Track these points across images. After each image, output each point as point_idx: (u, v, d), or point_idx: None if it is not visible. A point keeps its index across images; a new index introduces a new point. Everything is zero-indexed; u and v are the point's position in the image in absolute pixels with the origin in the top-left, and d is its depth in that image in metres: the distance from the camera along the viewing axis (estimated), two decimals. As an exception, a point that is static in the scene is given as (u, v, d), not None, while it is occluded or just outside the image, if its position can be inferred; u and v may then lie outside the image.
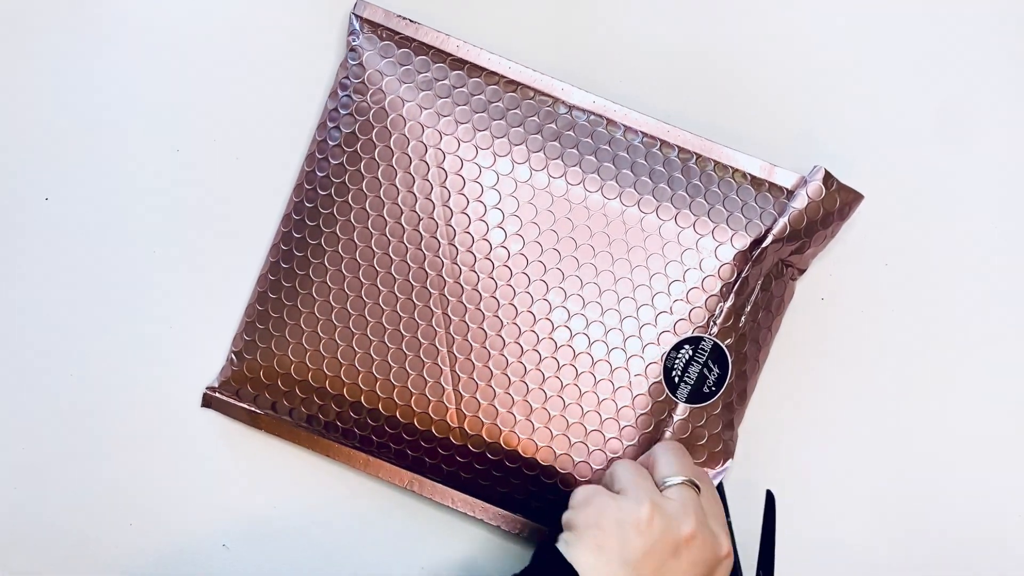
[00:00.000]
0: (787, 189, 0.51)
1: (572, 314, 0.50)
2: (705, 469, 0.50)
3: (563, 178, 0.50)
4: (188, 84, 0.54)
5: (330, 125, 0.52)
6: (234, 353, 0.52)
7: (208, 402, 0.53)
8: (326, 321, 0.51)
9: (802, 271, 0.52)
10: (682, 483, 0.46)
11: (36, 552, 0.53)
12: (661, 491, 0.46)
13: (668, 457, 0.47)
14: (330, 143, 0.51)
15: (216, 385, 0.53)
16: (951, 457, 0.54)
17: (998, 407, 0.54)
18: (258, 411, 0.52)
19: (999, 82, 0.54)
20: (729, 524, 0.48)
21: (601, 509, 0.45)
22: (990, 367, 0.54)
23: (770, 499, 0.51)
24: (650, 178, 0.51)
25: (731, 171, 0.51)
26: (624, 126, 0.51)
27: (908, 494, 0.54)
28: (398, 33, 0.52)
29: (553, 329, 0.50)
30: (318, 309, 0.51)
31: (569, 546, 0.44)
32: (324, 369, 0.51)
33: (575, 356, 0.50)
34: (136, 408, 0.53)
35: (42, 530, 0.53)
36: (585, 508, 0.45)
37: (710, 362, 0.50)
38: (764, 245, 0.50)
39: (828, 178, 0.50)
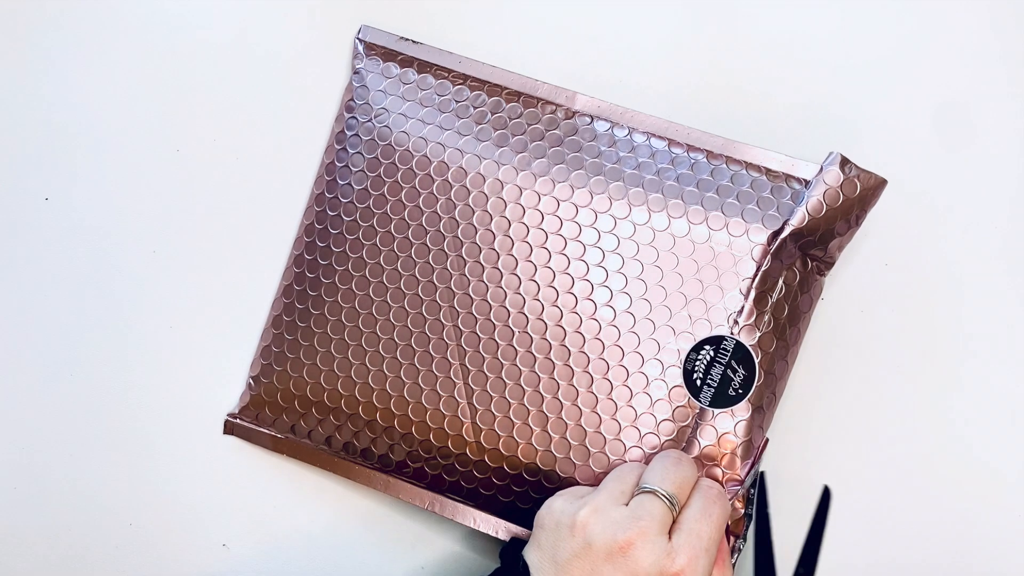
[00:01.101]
0: (806, 180, 0.49)
1: (584, 319, 0.49)
2: (713, 483, 0.46)
3: (567, 183, 0.49)
4: (191, 95, 0.54)
5: (337, 147, 0.52)
6: (252, 378, 0.52)
7: (230, 429, 0.53)
8: (339, 340, 0.51)
9: (829, 265, 0.49)
10: (649, 492, 0.44)
11: (36, 552, 0.53)
12: (632, 497, 0.44)
13: (657, 465, 0.45)
14: (338, 164, 0.52)
15: (236, 411, 0.53)
16: (953, 457, 0.51)
17: (1000, 406, 0.51)
18: (278, 435, 0.52)
19: (1003, 83, 0.52)
20: (766, 517, 0.46)
21: (550, 508, 0.45)
22: (992, 366, 0.51)
23: (825, 496, 0.48)
24: (658, 176, 0.49)
25: (744, 165, 0.49)
26: (630, 127, 0.50)
27: (909, 495, 0.51)
28: (401, 54, 0.52)
29: (566, 336, 0.49)
30: (330, 328, 0.51)
31: (528, 544, 0.45)
32: (339, 388, 0.51)
33: (589, 363, 0.49)
34: (136, 409, 0.54)
35: (42, 530, 0.53)
36: (544, 506, 0.45)
37: (734, 363, 0.48)
38: (783, 236, 0.47)
39: (845, 163, 0.47)
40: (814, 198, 0.47)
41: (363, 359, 0.50)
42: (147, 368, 0.54)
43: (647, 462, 0.48)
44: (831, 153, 0.48)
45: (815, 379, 0.51)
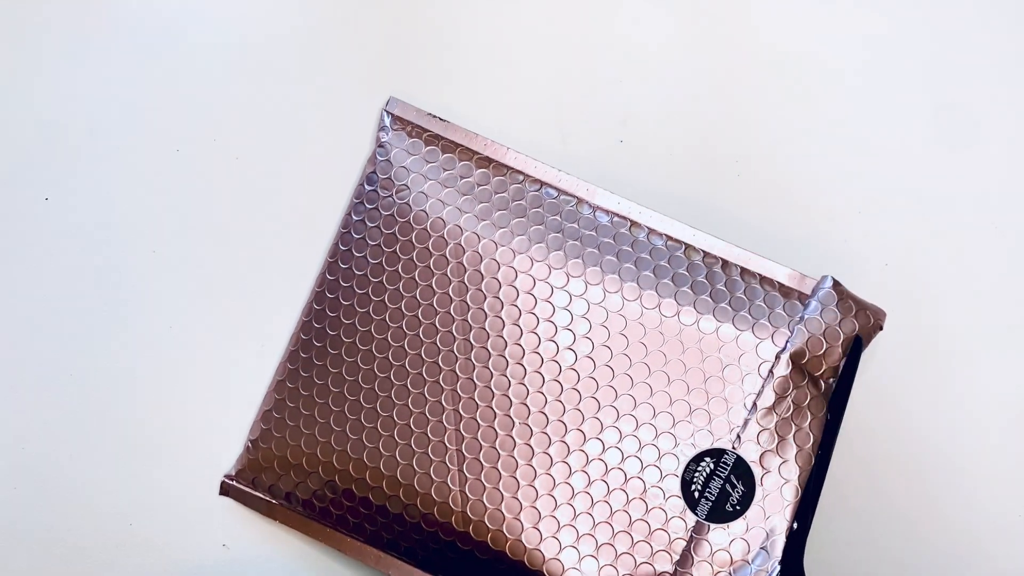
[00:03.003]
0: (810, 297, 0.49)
1: (586, 418, 0.48)
2: None
3: (581, 278, 0.49)
4: (194, 97, 0.54)
5: (355, 219, 0.52)
6: (251, 441, 0.52)
7: (226, 490, 0.52)
8: (339, 413, 0.50)
9: (829, 383, 0.48)
10: None
11: (36, 552, 0.53)
12: None
13: None
14: (354, 236, 0.52)
15: (233, 473, 0.53)
16: (953, 458, 0.51)
17: (999, 407, 0.51)
18: (273, 501, 0.52)
19: (994, 84, 0.53)
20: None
21: None
22: (991, 367, 0.52)
23: (857, 344, 0.48)
24: (672, 281, 0.49)
25: (758, 278, 0.49)
26: (648, 228, 0.50)
27: (909, 494, 0.51)
28: (427, 131, 0.52)
29: (566, 432, 0.48)
30: (332, 400, 0.51)
31: None
32: (334, 462, 0.50)
33: (587, 462, 0.48)
34: (136, 410, 0.53)
35: (42, 530, 0.53)
36: None
37: (733, 478, 0.47)
38: (788, 354, 0.47)
39: (837, 286, 0.48)
40: (812, 318, 0.47)
41: (361, 434, 0.50)
42: (148, 369, 0.53)
43: (636, 571, 0.47)
44: (824, 276, 0.48)
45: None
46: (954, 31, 0.54)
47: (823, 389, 0.48)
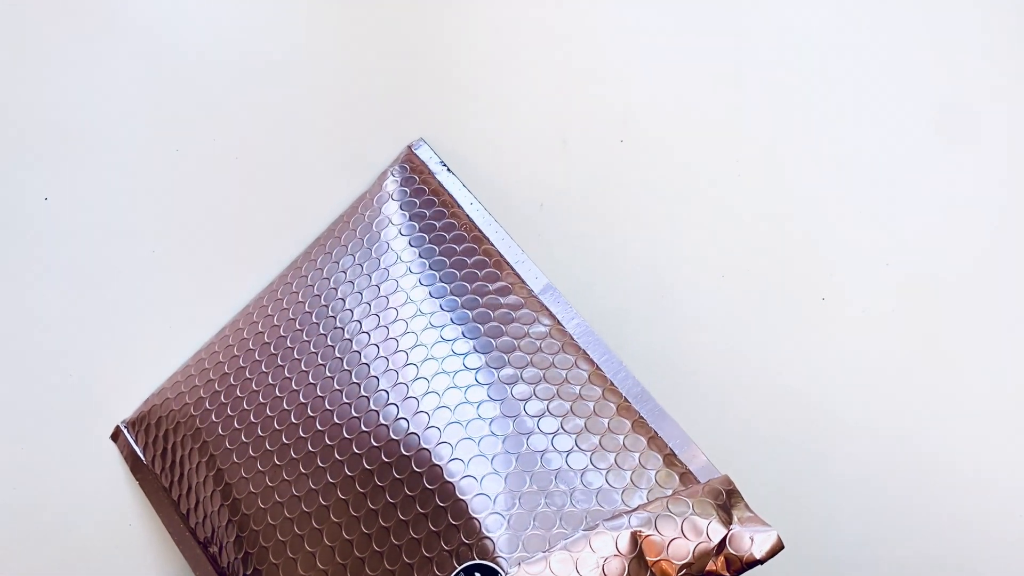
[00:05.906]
0: (696, 480, 0.42)
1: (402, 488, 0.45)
2: None
3: (486, 389, 0.46)
4: (193, 95, 0.54)
5: (336, 233, 0.53)
6: (150, 397, 0.53)
7: (115, 436, 0.53)
8: (241, 412, 0.50)
9: (652, 563, 0.40)
10: None
11: (36, 552, 0.53)
12: None
13: None
14: (331, 255, 0.53)
15: (125, 421, 0.53)
16: (954, 458, 0.51)
17: (1000, 407, 0.51)
18: (143, 460, 0.52)
19: (999, 82, 0.52)
20: None
21: None
22: (992, 366, 0.52)
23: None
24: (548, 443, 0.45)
25: (648, 437, 0.44)
26: (585, 351, 0.47)
27: (908, 495, 0.51)
28: (431, 176, 0.53)
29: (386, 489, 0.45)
30: (234, 400, 0.50)
31: None
32: (218, 462, 0.49)
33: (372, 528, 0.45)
34: (136, 408, 0.54)
35: (42, 530, 0.53)
36: None
37: (483, 606, 0.41)
38: (632, 516, 0.40)
39: (732, 494, 0.41)
40: (683, 503, 0.41)
41: (251, 438, 0.49)
42: (147, 367, 0.54)
43: None
44: (726, 477, 0.41)
45: (817, 378, 0.52)
46: (955, 30, 0.53)
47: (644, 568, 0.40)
